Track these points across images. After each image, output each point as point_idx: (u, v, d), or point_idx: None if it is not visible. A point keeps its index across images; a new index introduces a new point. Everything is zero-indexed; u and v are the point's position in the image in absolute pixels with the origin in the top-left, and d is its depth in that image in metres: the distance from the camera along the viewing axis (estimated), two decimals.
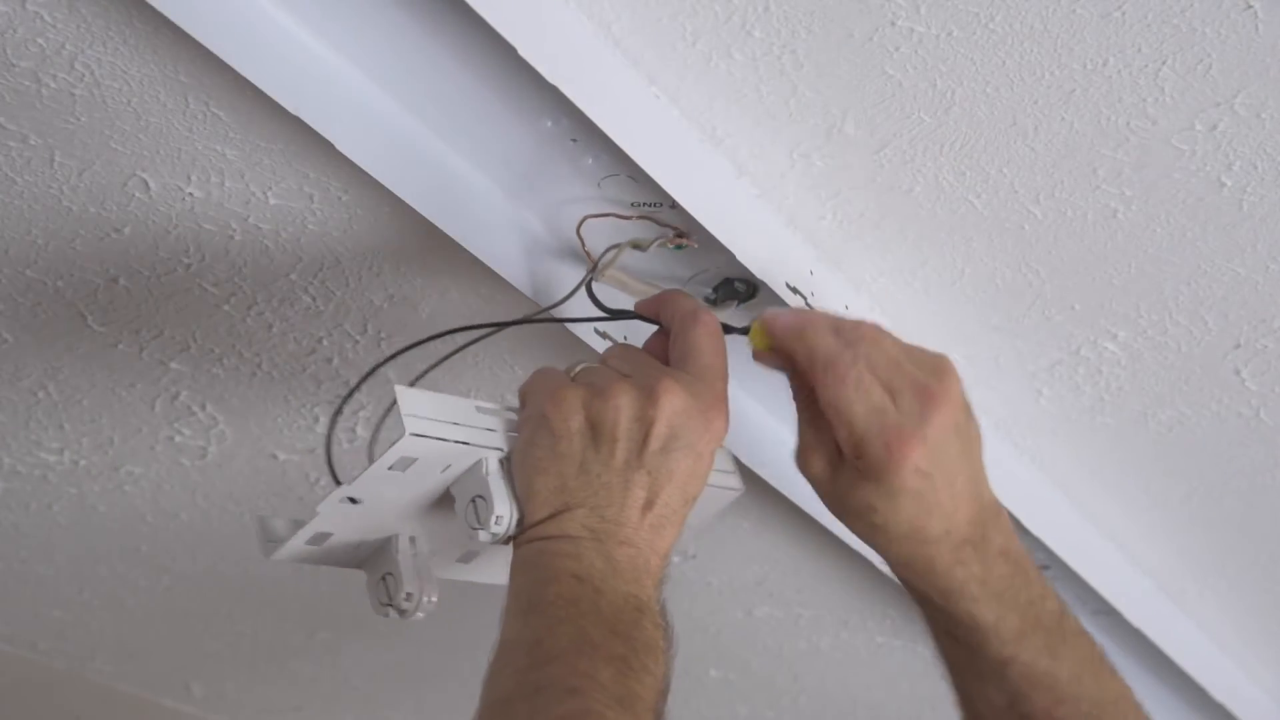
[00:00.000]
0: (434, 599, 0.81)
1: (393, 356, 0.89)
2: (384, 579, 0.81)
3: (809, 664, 1.55)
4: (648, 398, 0.76)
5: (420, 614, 0.81)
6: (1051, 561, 1.22)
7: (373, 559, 0.82)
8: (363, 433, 1.10)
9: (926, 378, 0.79)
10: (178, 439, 1.13)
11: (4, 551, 1.31)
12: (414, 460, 0.76)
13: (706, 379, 0.78)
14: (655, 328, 0.85)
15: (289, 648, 1.55)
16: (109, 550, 1.31)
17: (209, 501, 1.22)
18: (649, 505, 0.76)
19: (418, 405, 0.76)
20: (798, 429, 0.83)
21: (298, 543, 0.79)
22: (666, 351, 0.81)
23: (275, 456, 1.15)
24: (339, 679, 1.64)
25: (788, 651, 1.52)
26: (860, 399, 0.77)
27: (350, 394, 0.88)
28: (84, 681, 1.59)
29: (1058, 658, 0.84)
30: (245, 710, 1.71)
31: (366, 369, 1.03)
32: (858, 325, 0.80)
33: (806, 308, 0.86)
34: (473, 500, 0.77)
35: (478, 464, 0.77)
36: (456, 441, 0.76)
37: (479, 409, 0.78)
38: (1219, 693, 1.46)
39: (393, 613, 0.81)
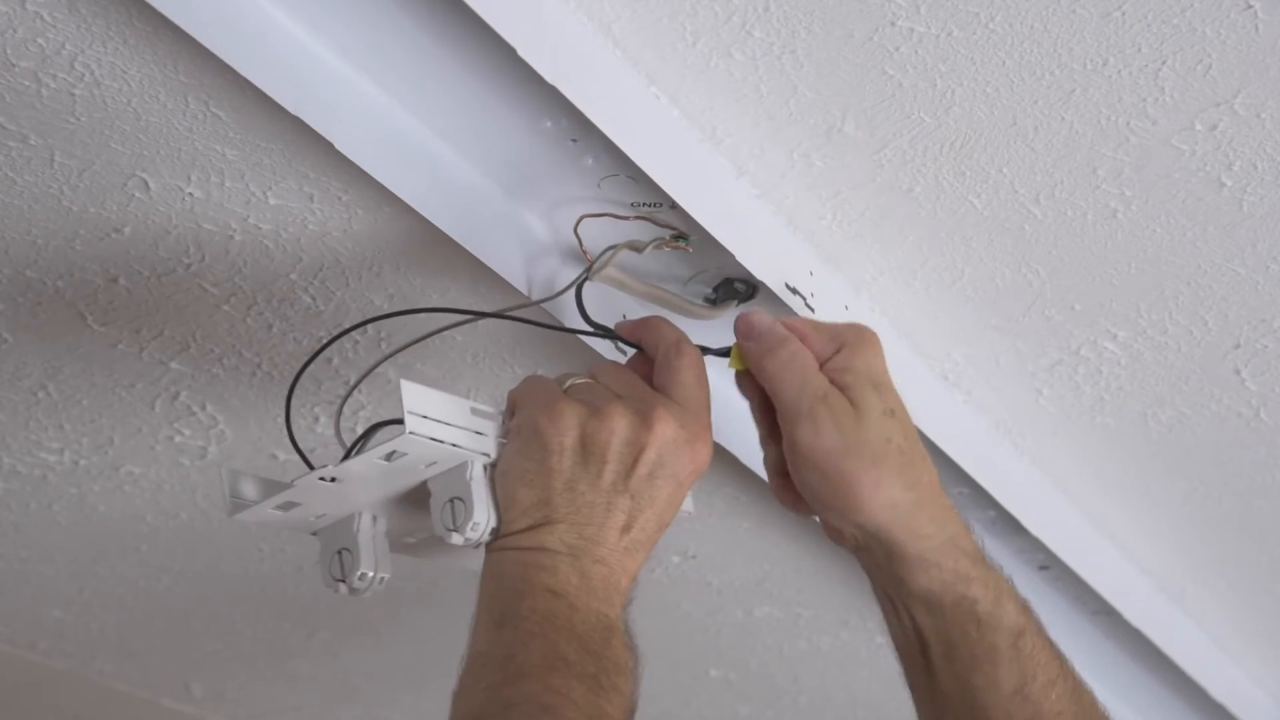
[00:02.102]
0: (386, 578, 0.81)
1: (356, 326, 0.89)
2: (340, 554, 0.81)
3: (809, 664, 1.55)
4: (642, 423, 0.76)
5: (369, 594, 0.81)
6: (1051, 561, 1.22)
7: (330, 531, 0.82)
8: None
9: (855, 397, 0.80)
10: (178, 439, 1.13)
11: (4, 551, 1.31)
12: (405, 454, 0.76)
13: (692, 410, 0.79)
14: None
15: (289, 648, 1.55)
16: (109, 550, 1.31)
17: (209, 501, 1.22)
18: (627, 528, 0.76)
19: (420, 403, 0.76)
20: (771, 460, 0.83)
21: (265, 508, 0.80)
22: (647, 375, 0.82)
23: (275, 456, 1.15)
24: (339, 679, 1.64)
25: (788, 651, 1.52)
26: (819, 440, 0.79)
27: (309, 361, 0.88)
28: (84, 681, 1.59)
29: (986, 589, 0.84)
30: (245, 710, 1.71)
31: (367, 368, 1.04)
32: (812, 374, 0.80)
33: (788, 318, 0.86)
34: (451, 501, 0.77)
35: (462, 466, 0.77)
36: (449, 443, 0.76)
37: (474, 411, 0.78)
38: (1219, 693, 1.46)
39: (343, 588, 0.81)
